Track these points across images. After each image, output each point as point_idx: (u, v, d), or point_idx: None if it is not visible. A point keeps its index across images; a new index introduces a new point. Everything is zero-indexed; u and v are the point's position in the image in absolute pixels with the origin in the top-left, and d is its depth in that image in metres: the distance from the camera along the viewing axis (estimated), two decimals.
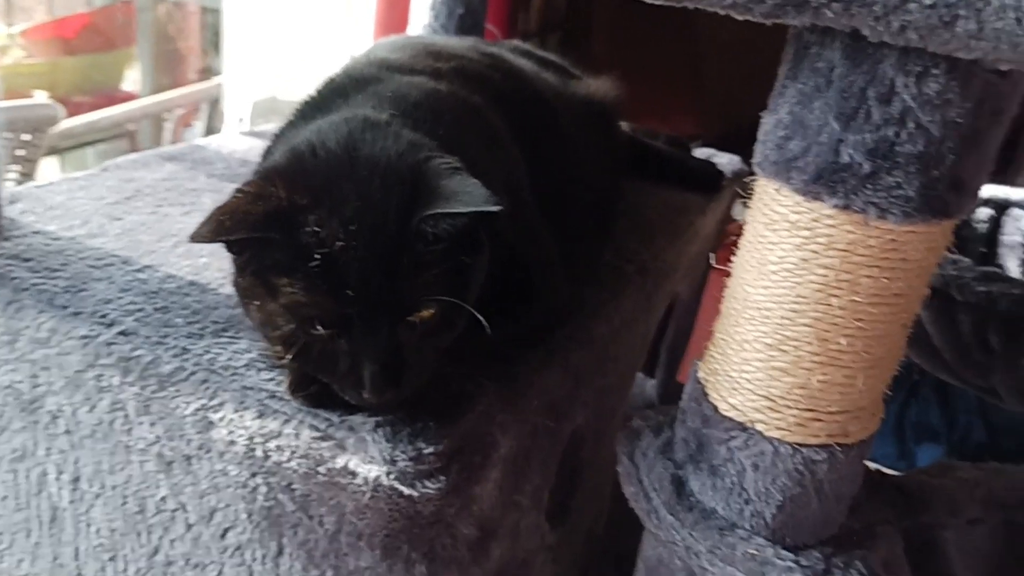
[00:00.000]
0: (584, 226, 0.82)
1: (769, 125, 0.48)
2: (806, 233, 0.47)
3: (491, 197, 0.51)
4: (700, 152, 1.28)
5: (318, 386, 0.58)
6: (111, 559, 0.70)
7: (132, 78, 2.87)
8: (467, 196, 0.52)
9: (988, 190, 1.34)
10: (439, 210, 0.51)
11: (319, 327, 0.53)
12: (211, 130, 2.01)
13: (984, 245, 1.35)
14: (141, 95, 2.83)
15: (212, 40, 2.88)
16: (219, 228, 0.52)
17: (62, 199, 0.84)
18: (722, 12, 0.44)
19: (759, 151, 0.50)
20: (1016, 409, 1.20)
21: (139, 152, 1.01)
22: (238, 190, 0.55)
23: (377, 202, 0.53)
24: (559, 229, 0.75)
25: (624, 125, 1.16)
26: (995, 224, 1.35)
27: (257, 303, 0.56)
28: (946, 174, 0.44)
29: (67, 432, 0.68)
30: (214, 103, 1.99)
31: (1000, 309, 1.00)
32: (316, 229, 0.52)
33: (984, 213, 1.34)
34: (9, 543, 0.75)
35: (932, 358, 1.17)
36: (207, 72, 2.87)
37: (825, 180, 0.46)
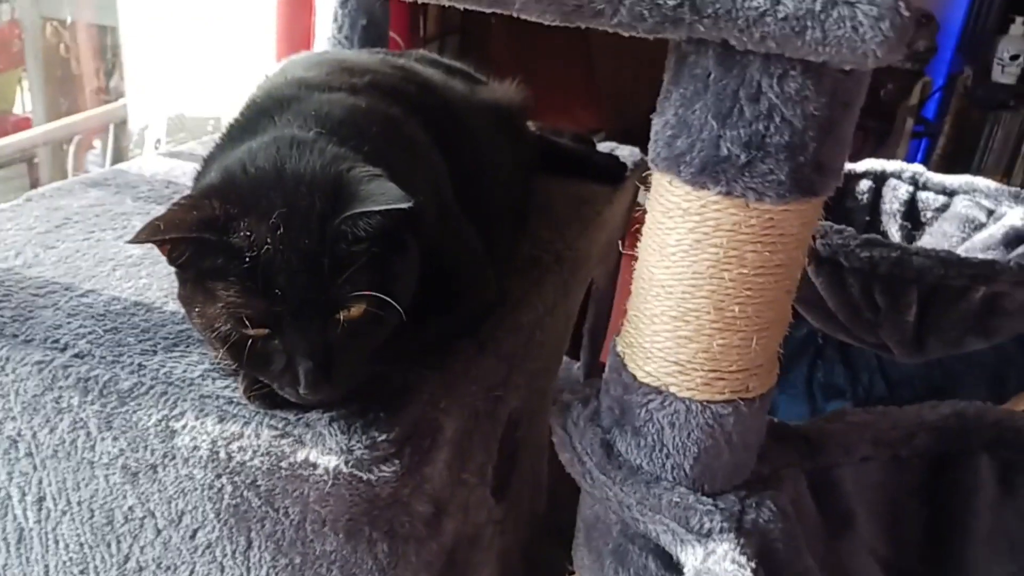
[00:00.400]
0: (501, 222, 0.89)
1: (659, 126, 0.56)
2: (697, 218, 0.55)
3: (403, 196, 0.57)
4: (603, 146, 1.36)
5: (271, 388, 0.63)
6: (82, 572, 0.73)
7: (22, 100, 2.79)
8: (381, 196, 0.57)
9: (867, 164, 1.47)
10: (355, 210, 0.57)
11: (253, 327, 0.58)
12: (118, 152, 1.99)
13: (868, 214, 1.47)
14: (34, 118, 2.76)
15: (109, 59, 2.83)
16: (154, 231, 0.58)
17: None
18: (610, 30, 0.51)
19: (652, 149, 0.57)
20: (904, 360, 1.32)
21: (55, 179, 1.03)
22: (174, 203, 0.60)
23: (302, 209, 0.59)
24: (479, 227, 0.81)
25: (532, 125, 1.24)
26: (876, 195, 1.47)
27: (198, 309, 0.61)
28: (810, 159, 0.52)
29: (28, 455, 0.71)
30: (120, 124, 1.97)
31: (881, 272, 1.11)
32: (246, 234, 0.58)
33: (865, 185, 1.46)
34: None
35: (829, 321, 1.28)
36: (104, 92, 2.82)
37: (709, 171, 0.53)
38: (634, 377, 0.62)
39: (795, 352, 1.99)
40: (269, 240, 0.57)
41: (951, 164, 2.94)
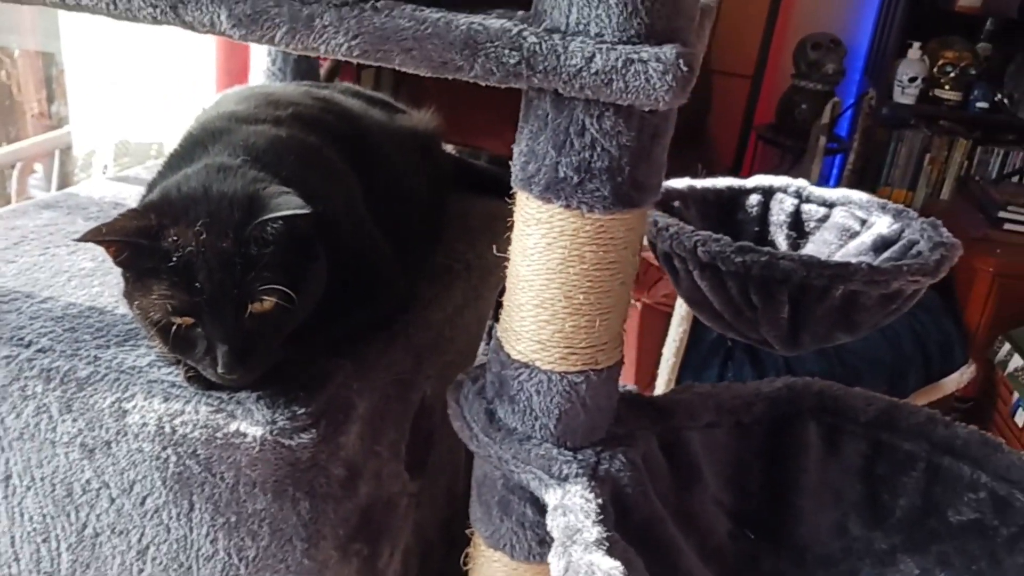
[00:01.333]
0: (414, 233, 1.04)
1: (516, 153, 0.71)
2: (547, 226, 0.71)
3: (302, 205, 0.72)
4: None
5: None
6: (44, 540, 0.86)
7: None
8: (284, 205, 0.73)
9: (756, 180, 1.64)
10: (263, 217, 0.72)
11: (179, 316, 0.73)
12: (63, 177, 2.09)
13: (757, 225, 1.64)
14: None
15: (51, 86, 2.91)
16: (97, 233, 0.73)
17: None
18: (471, 80, 0.66)
19: (513, 171, 0.72)
20: (784, 352, 1.49)
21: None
22: (120, 214, 0.74)
23: (222, 219, 0.73)
24: (394, 237, 0.96)
25: (452, 149, 1.40)
26: (764, 208, 1.65)
27: (137, 302, 0.75)
28: (627, 179, 0.68)
29: None
30: (65, 150, 2.07)
31: (755, 274, 1.27)
32: (174, 239, 0.72)
33: (755, 199, 1.63)
34: None
35: (717, 320, 1.44)
36: (46, 118, 2.90)
37: (552, 189, 0.69)
38: (509, 356, 0.77)
39: (707, 354, 2.17)
40: (193, 244, 0.72)
41: (862, 178, 3.16)
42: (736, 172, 3.18)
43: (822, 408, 0.94)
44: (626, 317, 0.78)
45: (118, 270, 0.94)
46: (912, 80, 2.96)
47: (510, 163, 1.55)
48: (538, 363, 0.76)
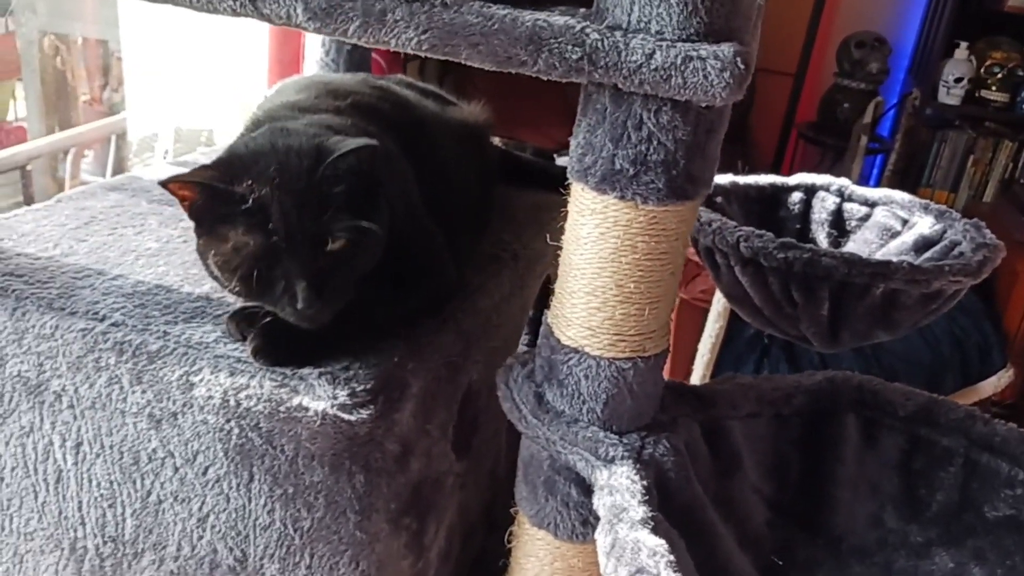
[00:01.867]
0: (463, 222, 1.07)
1: (573, 146, 0.74)
2: (601, 216, 0.73)
3: (368, 140, 0.77)
4: (564, 159, 1.55)
5: (273, 348, 0.81)
6: (110, 506, 0.90)
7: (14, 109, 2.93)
8: (350, 143, 0.77)
9: (798, 177, 1.66)
10: (333, 156, 0.77)
11: (256, 259, 0.76)
12: (118, 162, 2.15)
13: (799, 223, 1.65)
14: (28, 127, 2.92)
15: (104, 72, 2.98)
16: (179, 177, 0.77)
17: (31, 227, 1.03)
18: (533, 75, 0.69)
19: (569, 163, 0.75)
20: (823, 350, 1.50)
21: (48, 184, 1.20)
22: (194, 168, 0.79)
23: (292, 165, 0.78)
24: (443, 225, 0.99)
25: (498, 141, 1.43)
26: (806, 205, 1.66)
27: (212, 252, 0.79)
28: (681, 172, 0.71)
29: (70, 407, 0.87)
30: (120, 136, 2.14)
31: (796, 271, 1.28)
32: (249, 183, 0.76)
33: (797, 197, 1.65)
34: (19, 505, 0.94)
35: (757, 316, 1.46)
36: (98, 103, 2.97)
37: (608, 181, 0.71)
38: (559, 341, 0.80)
39: (743, 351, 2.18)
40: (267, 187, 0.76)
41: (903, 179, 3.14)
42: (776, 170, 3.17)
43: (861, 402, 0.96)
44: (674, 307, 0.81)
45: (182, 250, 0.99)
46: (958, 80, 2.93)
47: (554, 156, 1.59)
48: (587, 349, 0.78)
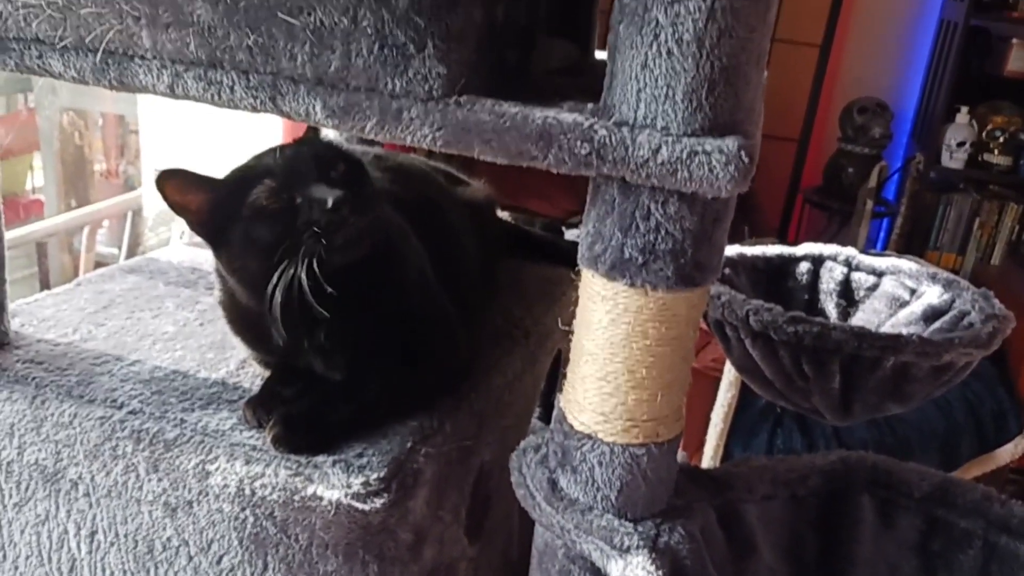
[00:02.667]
0: (471, 296, 1.09)
1: (583, 234, 0.75)
2: (611, 302, 0.74)
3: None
4: (573, 232, 1.57)
5: (292, 435, 0.81)
6: None
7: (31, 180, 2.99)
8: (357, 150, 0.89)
9: (805, 248, 1.67)
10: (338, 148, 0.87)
11: (276, 200, 0.81)
12: (134, 237, 2.18)
13: (807, 293, 1.66)
14: (45, 200, 2.97)
15: (121, 147, 3.04)
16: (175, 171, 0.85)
17: (51, 312, 1.05)
18: (544, 168, 0.71)
19: (579, 250, 0.76)
20: (836, 423, 1.49)
21: (63, 256, 1.22)
22: None
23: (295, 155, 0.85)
24: (452, 299, 1.00)
25: (507, 215, 1.45)
26: (814, 275, 1.67)
27: (239, 252, 0.84)
28: (689, 260, 0.72)
29: (86, 495, 0.88)
30: (136, 212, 2.18)
31: (807, 344, 1.29)
32: (253, 174, 0.83)
33: (804, 267, 1.65)
34: None
35: (768, 388, 1.45)
36: (114, 177, 3.03)
37: (618, 269, 0.72)
38: (571, 427, 0.80)
39: (756, 420, 2.17)
40: (271, 160, 0.84)
41: (910, 242, 3.16)
42: (783, 235, 3.21)
43: (875, 482, 0.95)
44: (687, 390, 0.81)
45: (198, 334, 1.01)
46: (960, 144, 2.97)
47: (563, 226, 1.60)
48: (600, 435, 0.78)
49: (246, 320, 0.89)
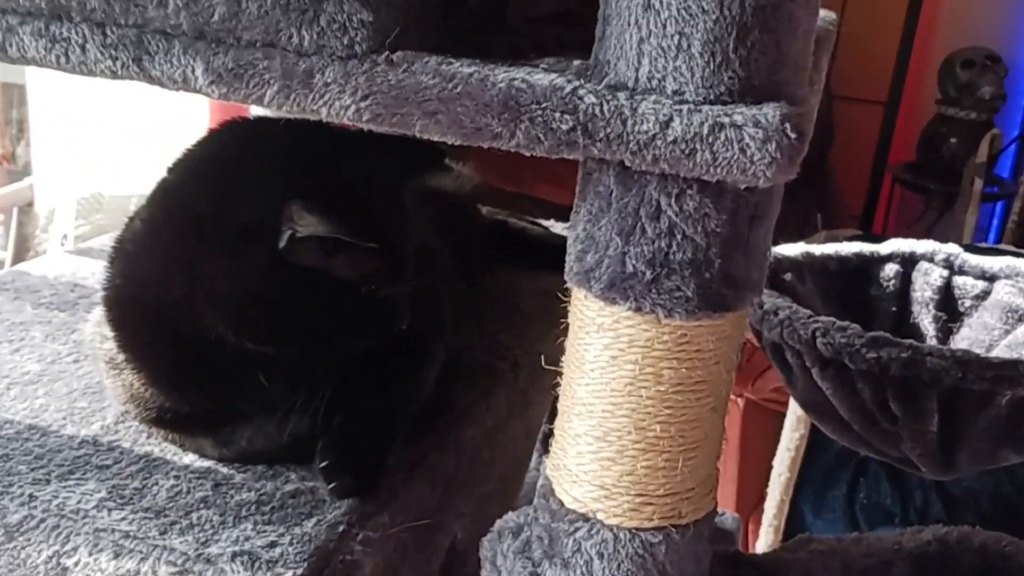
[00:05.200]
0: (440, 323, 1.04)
1: (571, 240, 0.69)
2: (611, 334, 0.68)
3: None
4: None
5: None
6: None
7: None
8: None
9: (893, 245, 1.61)
10: None
11: None
12: (21, 239, 2.13)
13: (896, 304, 1.60)
14: None
15: (16, 122, 3.00)
16: None
17: None
18: (511, 149, 0.64)
19: (567, 264, 0.70)
20: (934, 476, 1.43)
21: None
22: None
23: None
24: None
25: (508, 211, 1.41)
26: (905, 280, 1.60)
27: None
28: (717, 274, 0.65)
29: None
30: (24, 208, 2.12)
31: (893, 374, 1.23)
32: None
33: (892, 270, 1.59)
34: None
35: (844, 432, 1.39)
36: (9, 161, 2.99)
37: (618, 287, 0.66)
38: (561, 503, 0.74)
39: (831, 469, 2.10)
40: None
41: None
42: (867, 225, 3.15)
43: (987, 570, 0.89)
44: (720, 454, 0.75)
45: (69, 374, 0.96)
46: None
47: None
48: (600, 516, 0.72)
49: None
